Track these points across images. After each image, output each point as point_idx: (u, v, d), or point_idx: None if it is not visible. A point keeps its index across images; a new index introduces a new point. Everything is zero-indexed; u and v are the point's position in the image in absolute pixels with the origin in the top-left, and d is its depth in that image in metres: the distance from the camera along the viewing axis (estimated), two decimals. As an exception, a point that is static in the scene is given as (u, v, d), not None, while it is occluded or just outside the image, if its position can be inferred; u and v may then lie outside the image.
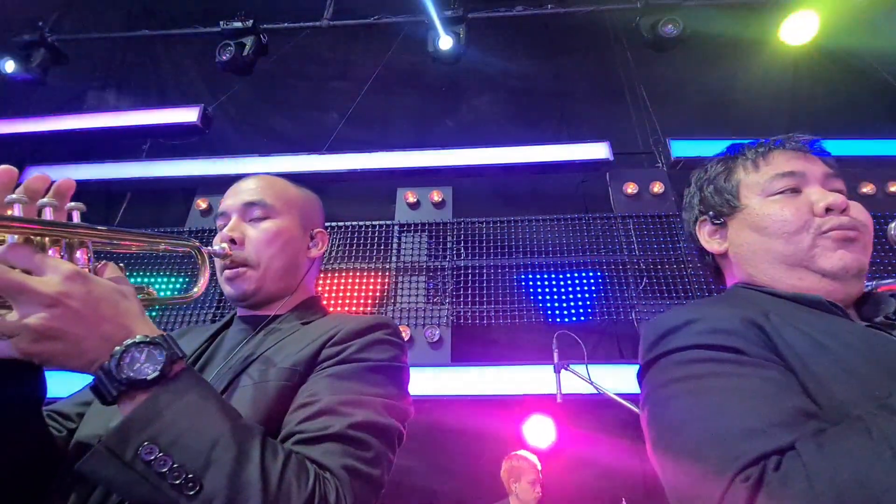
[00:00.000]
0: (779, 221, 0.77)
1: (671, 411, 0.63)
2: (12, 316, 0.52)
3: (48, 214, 0.57)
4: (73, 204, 0.61)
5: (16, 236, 0.54)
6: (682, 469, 0.58)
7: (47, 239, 0.56)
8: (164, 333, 0.59)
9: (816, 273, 0.74)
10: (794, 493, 0.47)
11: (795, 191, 0.79)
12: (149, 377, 0.55)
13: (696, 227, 0.92)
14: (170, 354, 0.57)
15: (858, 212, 0.77)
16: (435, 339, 3.28)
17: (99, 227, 0.62)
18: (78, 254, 0.59)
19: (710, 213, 0.88)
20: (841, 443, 0.49)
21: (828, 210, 0.75)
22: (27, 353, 0.52)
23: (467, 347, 3.49)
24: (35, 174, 0.58)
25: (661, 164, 3.97)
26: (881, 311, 0.73)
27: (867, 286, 0.78)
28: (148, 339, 0.56)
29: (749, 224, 0.81)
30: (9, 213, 0.55)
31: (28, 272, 0.52)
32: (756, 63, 4.18)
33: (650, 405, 0.68)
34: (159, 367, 0.55)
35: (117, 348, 0.55)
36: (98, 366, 0.55)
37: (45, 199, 0.57)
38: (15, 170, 0.57)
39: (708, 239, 0.89)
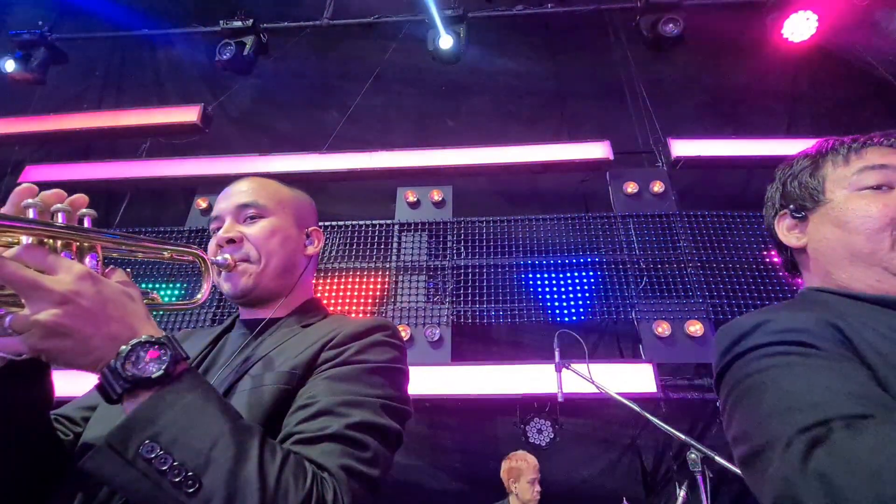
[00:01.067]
0: (862, 217, 0.73)
1: (746, 403, 0.63)
2: (24, 313, 0.53)
3: (62, 219, 0.60)
4: (84, 210, 0.63)
5: (31, 238, 0.56)
6: (753, 445, 0.58)
7: (60, 242, 0.59)
8: (169, 335, 0.60)
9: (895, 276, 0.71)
10: (863, 450, 0.46)
11: (887, 187, 0.74)
12: (153, 376, 0.56)
13: (776, 221, 0.88)
14: (174, 355, 0.58)
15: None
16: (435, 339, 3.28)
17: (109, 232, 0.64)
18: (88, 258, 0.61)
19: (792, 206, 0.84)
20: None
21: None
22: (37, 348, 0.53)
23: (468, 347, 3.49)
24: (53, 191, 0.60)
25: (661, 164, 3.98)
26: None
27: None
28: (153, 340, 0.57)
29: (831, 219, 0.78)
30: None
31: (41, 272, 0.54)
32: (756, 62, 4.18)
33: (728, 406, 0.67)
34: (163, 367, 0.57)
35: (123, 347, 0.56)
36: (104, 364, 0.56)
37: (59, 205, 0.60)
38: (35, 188, 0.60)
39: (786, 233, 0.86)
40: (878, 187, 0.75)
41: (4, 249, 0.54)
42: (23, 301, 0.53)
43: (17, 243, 0.56)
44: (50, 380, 0.67)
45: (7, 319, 0.53)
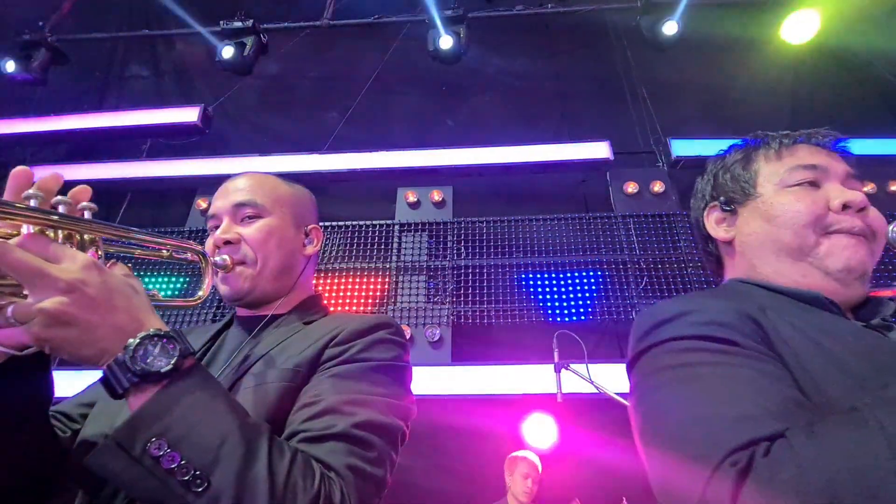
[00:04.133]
0: (791, 212, 0.75)
1: (658, 398, 0.62)
2: (27, 302, 0.52)
3: (63, 211, 0.58)
4: (85, 203, 0.61)
5: (32, 227, 0.55)
6: (668, 455, 0.56)
7: (61, 233, 0.57)
8: (176, 329, 0.59)
9: (820, 270, 0.73)
10: (783, 481, 0.45)
11: (814, 185, 0.77)
12: (162, 370, 0.54)
13: (705, 214, 0.89)
14: (182, 349, 0.57)
15: (875, 217, 0.76)
16: (435, 339, 3.28)
17: (110, 224, 0.63)
18: (89, 252, 0.60)
19: (722, 198, 0.85)
20: (834, 431, 0.47)
21: (844, 207, 0.73)
22: (40, 338, 0.52)
23: (468, 347, 3.49)
24: (51, 173, 0.58)
25: (661, 164, 3.97)
26: (878, 314, 0.71)
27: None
28: (162, 333, 0.56)
29: (761, 213, 0.79)
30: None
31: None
32: (757, 62, 4.18)
33: (638, 394, 0.67)
34: (172, 361, 0.55)
35: (132, 340, 0.54)
36: (110, 356, 0.54)
37: (59, 197, 0.58)
38: (31, 170, 0.58)
39: (715, 226, 0.87)
40: (806, 184, 0.76)
41: (4, 240, 0.53)
42: (26, 291, 0.52)
43: (17, 234, 0.54)
44: (49, 376, 0.66)
45: (9, 309, 0.52)
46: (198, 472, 0.52)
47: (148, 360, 0.54)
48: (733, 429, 0.51)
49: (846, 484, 0.43)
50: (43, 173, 0.58)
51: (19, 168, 0.57)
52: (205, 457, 0.53)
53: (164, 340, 0.56)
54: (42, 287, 0.51)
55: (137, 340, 0.54)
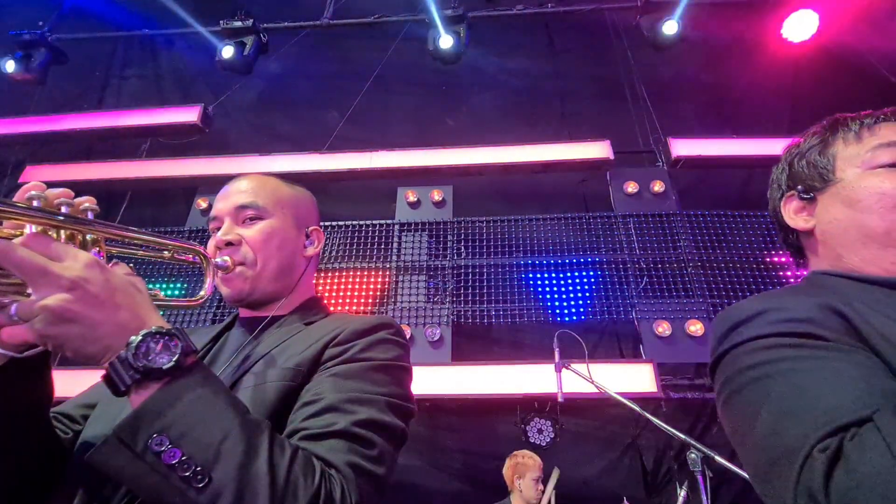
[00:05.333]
0: (876, 194, 0.69)
1: (745, 398, 0.61)
2: (31, 299, 0.52)
3: (65, 212, 0.59)
4: (87, 205, 0.62)
5: (36, 227, 0.56)
6: (761, 453, 0.56)
7: (64, 233, 0.58)
8: (178, 327, 0.59)
9: None
10: (872, 464, 0.45)
11: None
12: (164, 367, 0.55)
13: (781, 204, 0.83)
14: (184, 347, 0.57)
15: None
16: (435, 339, 3.28)
17: (113, 225, 0.63)
18: (92, 251, 0.60)
19: (799, 187, 0.79)
20: None
21: None
22: (43, 335, 0.52)
23: (468, 346, 3.49)
24: (60, 189, 0.60)
25: (661, 163, 3.97)
26: None
27: None
28: (164, 331, 0.56)
29: (843, 198, 0.73)
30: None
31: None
32: (757, 61, 4.18)
33: (724, 397, 0.65)
34: (175, 358, 0.55)
35: (134, 337, 0.55)
36: (112, 353, 0.55)
37: (62, 199, 0.59)
38: (43, 184, 0.59)
39: (793, 216, 0.81)
40: (892, 165, 0.70)
41: (8, 239, 0.53)
42: (29, 289, 0.53)
43: (21, 234, 0.55)
44: (50, 377, 0.66)
45: (13, 307, 0.52)
46: (199, 469, 0.52)
47: (150, 357, 0.55)
48: (822, 418, 0.51)
49: None
50: (43, 173, 0.58)
51: (33, 182, 0.59)
52: (206, 453, 0.53)
53: (167, 338, 0.56)
54: (45, 285, 0.52)
55: (140, 337, 0.55)
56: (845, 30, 3.87)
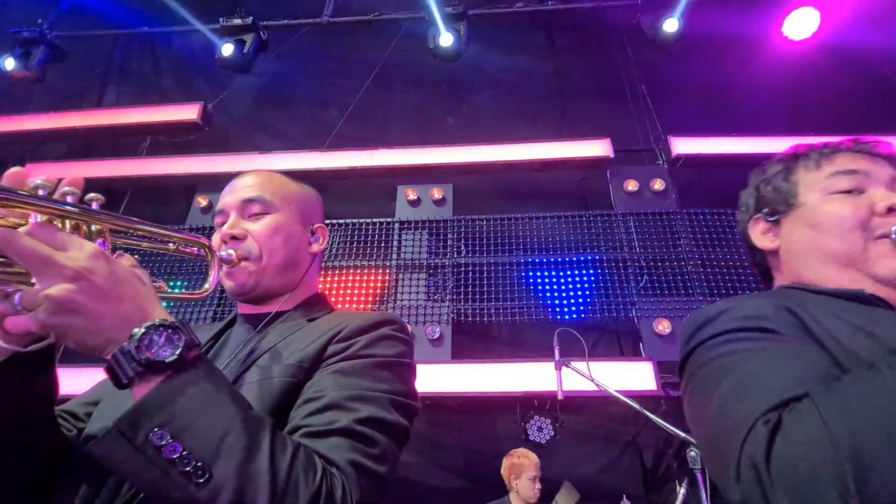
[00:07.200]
0: (835, 218, 0.75)
1: (703, 387, 0.65)
2: (35, 289, 0.52)
3: (71, 201, 0.58)
4: (93, 195, 0.61)
5: (40, 217, 0.55)
6: (713, 428, 0.60)
7: (69, 223, 0.58)
8: (181, 321, 0.59)
9: (869, 277, 0.72)
10: (808, 434, 0.49)
11: (857, 191, 0.77)
12: (167, 360, 0.54)
13: (749, 226, 0.90)
14: (188, 340, 0.57)
15: None
16: (435, 337, 3.28)
17: (118, 216, 0.63)
18: (97, 242, 0.60)
19: (765, 210, 0.87)
20: (854, 386, 0.51)
21: (889, 211, 0.72)
22: (46, 325, 0.51)
23: (468, 344, 3.49)
24: (70, 177, 0.59)
25: (661, 162, 3.97)
26: None
27: None
28: (167, 324, 0.56)
29: (805, 221, 0.80)
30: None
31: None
32: (757, 59, 4.17)
33: (688, 391, 0.70)
34: (177, 351, 0.55)
35: (137, 329, 0.54)
36: (115, 345, 0.54)
37: (67, 188, 0.58)
38: (24, 170, 0.58)
39: (760, 236, 0.88)
40: (849, 191, 0.77)
41: (13, 228, 0.53)
42: (33, 279, 0.52)
43: (25, 224, 0.54)
44: (54, 374, 0.66)
45: (17, 296, 0.52)
46: (199, 464, 0.51)
47: (153, 350, 0.54)
48: (767, 394, 0.55)
49: (867, 430, 0.47)
50: (43, 171, 0.58)
51: (15, 169, 0.58)
52: (206, 448, 0.52)
53: (170, 331, 0.56)
54: (49, 274, 0.51)
55: (143, 330, 0.54)
56: (846, 27, 3.86)
